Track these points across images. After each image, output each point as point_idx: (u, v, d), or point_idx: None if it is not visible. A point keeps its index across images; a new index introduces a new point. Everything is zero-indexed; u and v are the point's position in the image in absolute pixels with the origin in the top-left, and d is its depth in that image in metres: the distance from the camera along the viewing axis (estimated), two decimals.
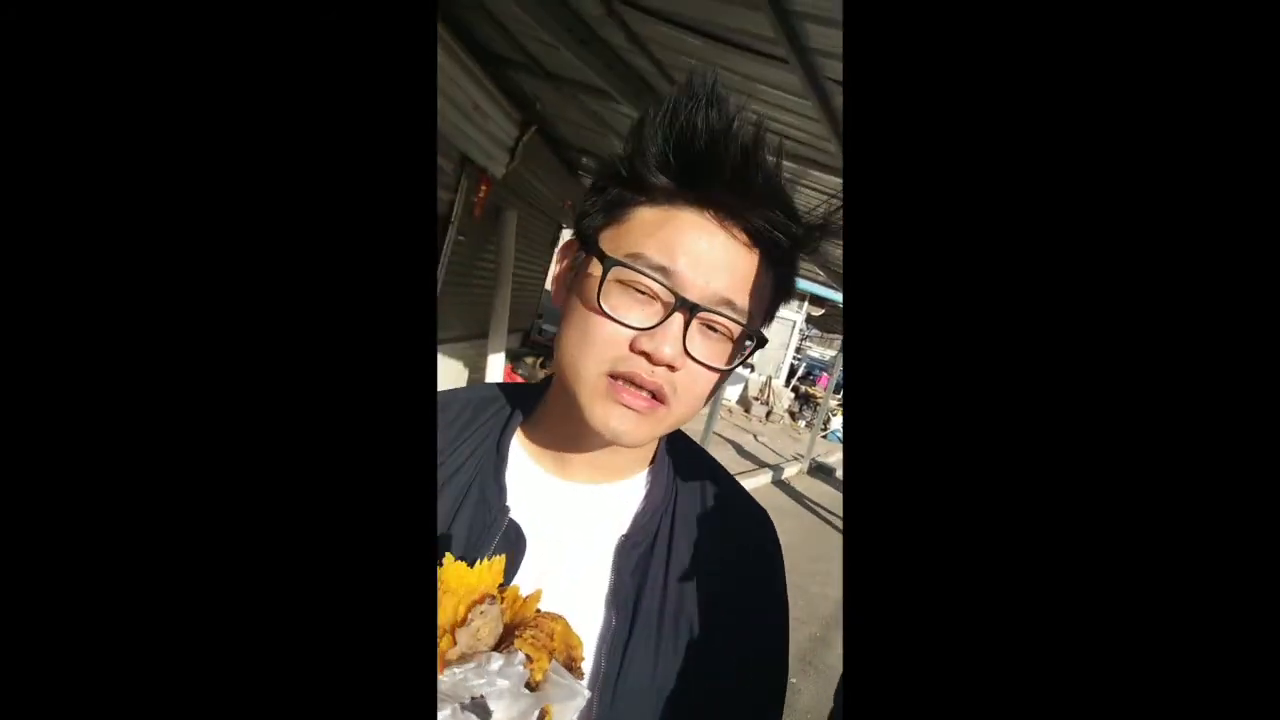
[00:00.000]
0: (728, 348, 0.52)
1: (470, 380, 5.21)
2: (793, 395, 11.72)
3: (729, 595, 0.55)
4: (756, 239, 0.51)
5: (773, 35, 1.83)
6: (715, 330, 0.51)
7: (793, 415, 11.06)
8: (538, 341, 7.25)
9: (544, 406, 0.60)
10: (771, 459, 7.25)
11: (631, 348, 0.50)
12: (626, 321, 0.49)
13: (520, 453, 0.59)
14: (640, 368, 0.49)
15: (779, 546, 0.62)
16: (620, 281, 0.50)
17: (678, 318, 0.49)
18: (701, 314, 0.49)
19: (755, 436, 8.66)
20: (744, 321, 0.51)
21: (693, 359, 0.50)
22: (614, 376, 0.50)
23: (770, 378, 11.87)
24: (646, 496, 0.58)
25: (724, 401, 5.66)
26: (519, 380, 5.78)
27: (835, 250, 5.23)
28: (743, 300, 0.51)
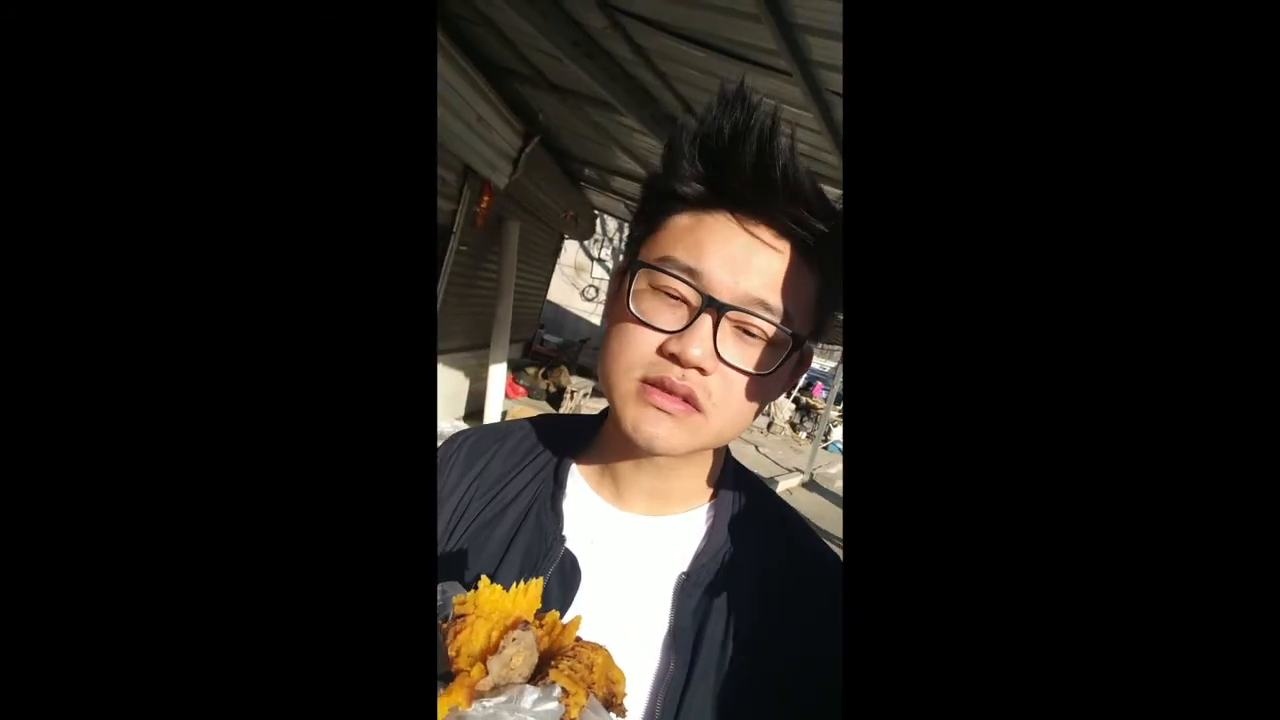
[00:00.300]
0: (766, 352, 0.50)
1: (472, 390, 5.20)
2: (794, 406, 11.70)
3: (798, 644, 0.51)
4: (788, 236, 0.49)
5: (774, 48, 1.85)
6: (750, 333, 0.49)
7: (793, 426, 11.04)
8: (540, 352, 7.26)
9: (602, 433, 0.59)
10: (772, 471, 7.22)
11: (661, 351, 0.49)
12: (656, 325, 0.49)
13: (580, 481, 0.58)
14: (671, 372, 0.48)
15: None
16: (653, 287, 0.50)
17: (706, 319, 0.48)
18: (731, 314, 0.48)
19: (757, 448, 8.64)
20: (780, 323, 0.49)
21: (725, 362, 0.48)
22: (646, 382, 0.49)
23: None
24: (708, 533, 0.55)
25: None
26: (521, 391, 5.78)
27: None
28: (778, 301, 0.49)
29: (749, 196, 0.49)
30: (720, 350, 0.48)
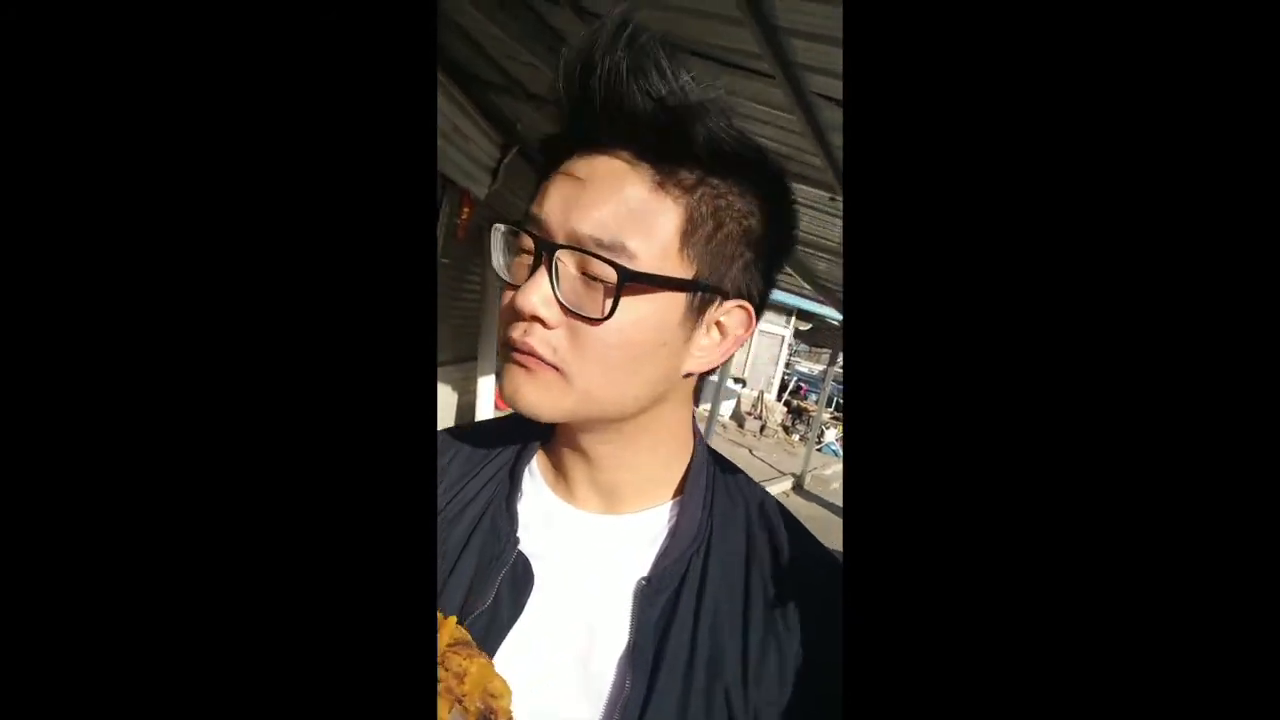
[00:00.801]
0: (607, 296, 0.43)
1: (460, 404, 5.13)
2: (785, 409, 11.72)
3: (783, 658, 0.45)
4: (638, 162, 0.43)
5: (758, 51, 1.82)
6: (594, 277, 0.43)
7: (786, 429, 11.04)
8: None
9: (556, 426, 0.53)
10: (765, 474, 7.19)
11: (509, 308, 0.45)
12: (513, 281, 0.46)
13: (538, 479, 0.53)
14: (516, 329, 0.44)
15: None
16: (519, 249, 0.47)
17: (542, 266, 0.43)
18: (562, 255, 0.43)
19: (750, 451, 8.62)
20: (619, 260, 0.42)
21: (569, 312, 0.43)
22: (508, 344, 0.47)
23: (762, 392, 11.88)
24: (671, 534, 0.49)
25: (718, 417, 5.53)
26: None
27: (821, 264, 5.23)
28: (617, 237, 0.42)
29: (579, 127, 0.45)
30: (564, 298, 0.43)
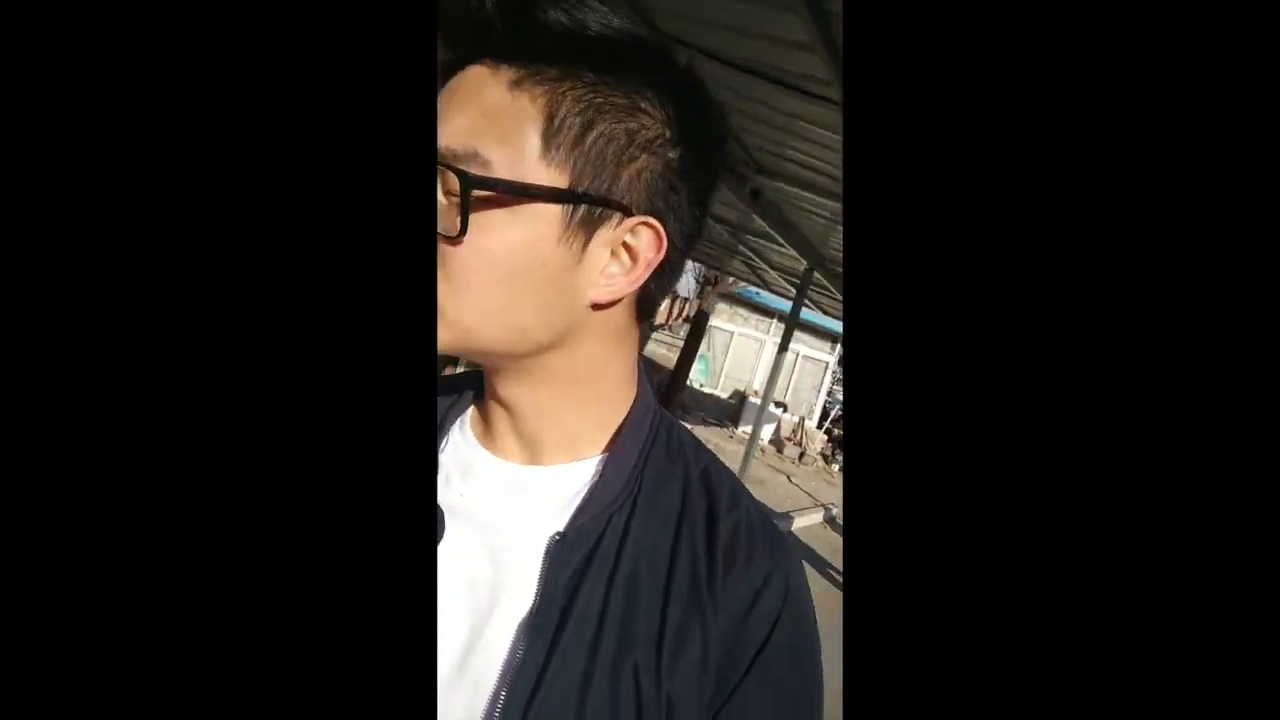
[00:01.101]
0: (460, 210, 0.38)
1: None
2: (826, 437, 11.52)
3: (706, 642, 0.41)
4: (500, 61, 0.40)
5: (826, 77, 1.83)
6: (454, 193, 0.38)
7: (825, 458, 10.85)
8: None
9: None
10: (803, 503, 7.05)
11: None
12: None
13: (468, 432, 0.50)
14: None
15: (799, 576, 0.45)
16: None
17: None
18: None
19: (789, 478, 8.49)
20: (469, 168, 0.37)
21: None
22: None
23: (803, 419, 11.71)
24: (594, 488, 0.44)
25: (758, 441, 5.38)
26: None
27: None
28: (472, 143, 0.38)
29: (453, 48, 0.41)
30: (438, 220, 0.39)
